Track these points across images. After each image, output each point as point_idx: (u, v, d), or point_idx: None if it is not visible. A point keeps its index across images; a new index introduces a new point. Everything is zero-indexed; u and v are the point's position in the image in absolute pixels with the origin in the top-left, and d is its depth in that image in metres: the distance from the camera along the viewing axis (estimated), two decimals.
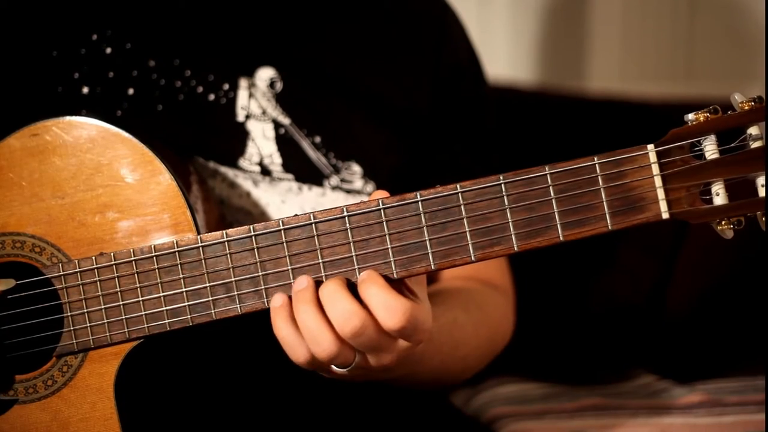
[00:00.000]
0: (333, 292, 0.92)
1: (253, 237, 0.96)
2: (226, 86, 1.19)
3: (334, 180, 1.21)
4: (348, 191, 1.21)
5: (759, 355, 1.58)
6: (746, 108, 0.92)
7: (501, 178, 0.93)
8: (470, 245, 0.94)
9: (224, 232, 0.97)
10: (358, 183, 1.22)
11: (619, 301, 1.77)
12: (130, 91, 1.17)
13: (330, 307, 0.92)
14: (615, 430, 1.36)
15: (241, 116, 1.19)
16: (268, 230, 0.96)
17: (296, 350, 0.94)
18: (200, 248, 0.97)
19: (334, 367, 0.96)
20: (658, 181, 0.92)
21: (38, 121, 1.02)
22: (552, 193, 0.93)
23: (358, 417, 1.22)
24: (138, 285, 0.98)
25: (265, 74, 1.21)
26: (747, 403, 1.42)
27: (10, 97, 1.16)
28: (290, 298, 0.94)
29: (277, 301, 0.94)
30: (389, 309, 0.90)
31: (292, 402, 1.20)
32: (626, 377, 1.59)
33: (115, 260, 0.98)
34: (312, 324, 0.92)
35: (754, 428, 1.34)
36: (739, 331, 1.72)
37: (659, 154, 0.92)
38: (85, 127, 1.01)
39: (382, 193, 0.95)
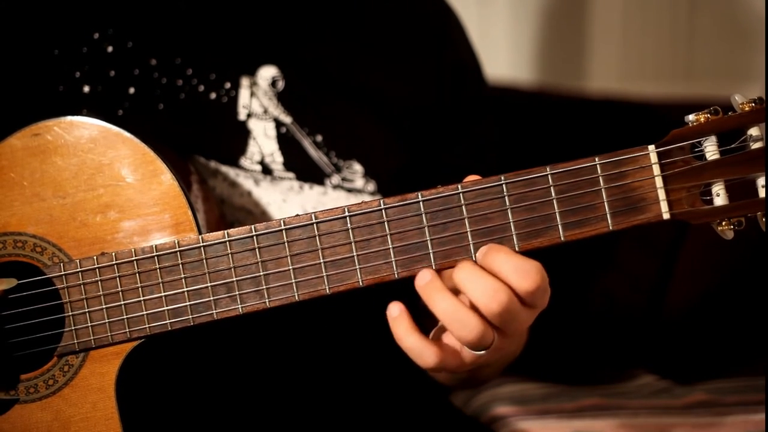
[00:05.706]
0: (471, 273, 0.90)
1: (255, 237, 0.96)
2: (228, 85, 1.19)
3: (336, 179, 1.21)
4: (349, 190, 1.21)
5: (759, 355, 1.58)
6: (746, 109, 0.92)
7: (502, 178, 0.93)
8: (471, 245, 0.94)
9: (225, 232, 0.97)
10: (359, 182, 1.21)
11: (619, 301, 1.77)
12: (131, 90, 1.17)
13: (471, 288, 0.90)
14: (615, 430, 1.36)
15: (242, 115, 1.19)
16: (270, 230, 0.96)
17: (425, 355, 0.92)
18: (202, 248, 0.97)
19: (472, 352, 0.93)
20: (659, 182, 0.92)
21: (39, 121, 1.02)
22: (553, 194, 0.93)
23: (358, 417, 1.22)
24: (139, 285, 0.98)
25: (267, 73, 1.21)
26: (747, 403, 1.43)
27: (12, 96, 1.16)
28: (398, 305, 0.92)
29: (395, 311, 0.93)
30: (521, 271, 0.89)
31: (293, 402, 1.20)
32: (626, 377, 1.60)
33: (116, 260, 0.98)
34: (453, 309, 0.90)
35: (754, 428, 1.34)
36: (739, 331, 1.72)
37: (660, 155, 0.92)
38: (86, 127, 1.01)
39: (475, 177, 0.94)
